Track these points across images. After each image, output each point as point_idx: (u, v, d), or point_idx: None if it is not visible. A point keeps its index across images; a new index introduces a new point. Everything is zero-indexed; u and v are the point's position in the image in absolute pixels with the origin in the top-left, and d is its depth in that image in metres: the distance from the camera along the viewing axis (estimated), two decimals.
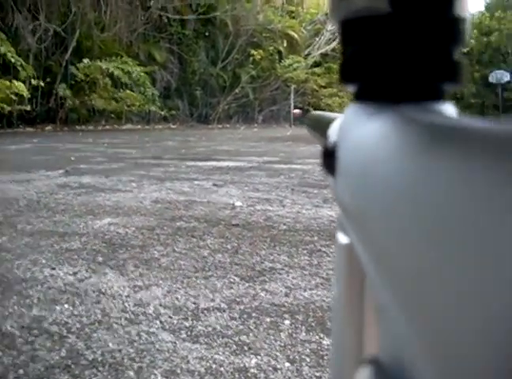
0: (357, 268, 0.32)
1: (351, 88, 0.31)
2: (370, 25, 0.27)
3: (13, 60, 18.68)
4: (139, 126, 24.01)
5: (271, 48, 29.61)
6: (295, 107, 28.75)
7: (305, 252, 3.51)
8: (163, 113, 24.76)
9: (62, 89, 20.97)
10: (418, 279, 0.15)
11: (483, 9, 34.69)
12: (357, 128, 0.29)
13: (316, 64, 30.71)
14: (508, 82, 30.11)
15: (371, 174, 0.22)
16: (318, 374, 1.91)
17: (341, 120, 0.36)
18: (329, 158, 0.36)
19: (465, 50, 31.00)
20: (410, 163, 0.18)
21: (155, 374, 1.88)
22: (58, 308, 2.48)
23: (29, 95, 19.05)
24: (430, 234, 0.14)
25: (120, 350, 2.05)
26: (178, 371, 1.91)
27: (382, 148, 0.22)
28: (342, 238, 0.37)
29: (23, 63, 19.06)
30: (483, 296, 0.11)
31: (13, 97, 18.22)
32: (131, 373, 1.88)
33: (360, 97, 0.30)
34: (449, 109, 0.27)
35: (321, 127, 0.50)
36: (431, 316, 0.14)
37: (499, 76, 29.88)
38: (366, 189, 0.23)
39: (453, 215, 0.13)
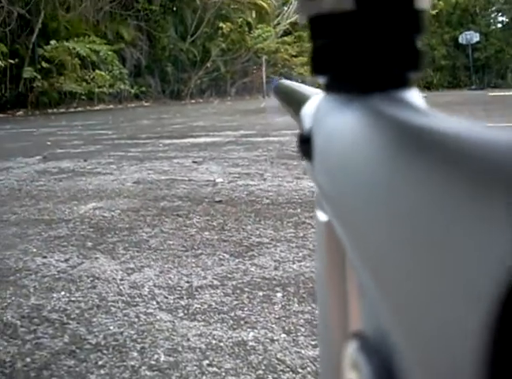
0: (338, 245, 0.32)
1: (322, 80, 0.32)
2: (336, 21, 0.28)
3: None
4: (112, 106, 23.78)
5: (240, 20, 29.33)
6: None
7: (290, 224, 3.58)
8: (133, 91, 24.50)
9: (30, 72, 20.60)
10: (390, 257, 0.16)
11: None
12: (330, 119, 0.31)
13: (286, 33, 30.55)
14: (478, 42, 30.32)
15: (345, 163, 0.24)
16: (313, 343, 1.99)
17: (315, 109, 0.38)
18: (306, 144, 0.38)
19: (434, 12, 30.99)
20: (378, 154, 0.20)
21: (158, 353, 1.95)
22: (55, 295, 2.53)
23: None
24: (398, 217, 0.16)
25: (121, 333, 2.12)
26: (180, 349, 1.98)
27: (354, 139, 0.24)
28: (321, 216, 0.38)
29: None
30: (453, 273, 0.12)
31: None
32: (135, 354, 1.95)
33: (331, 88, 0.32)
34: (414, 96, 0.28)
35: (293, 103, 0.50)
36: (404, 292, 0.15)
37: (469, 36, 30.05)
38: (341, 176, 0.25)
39: (419, 197, 0.14)
